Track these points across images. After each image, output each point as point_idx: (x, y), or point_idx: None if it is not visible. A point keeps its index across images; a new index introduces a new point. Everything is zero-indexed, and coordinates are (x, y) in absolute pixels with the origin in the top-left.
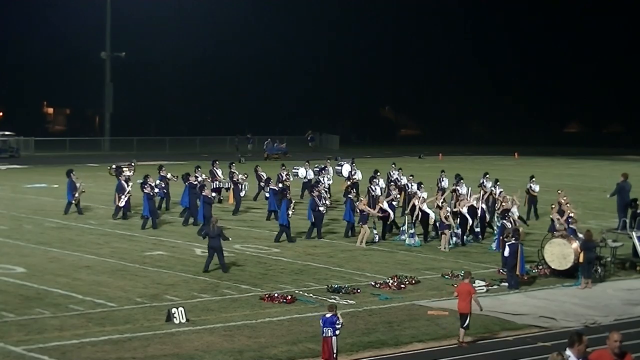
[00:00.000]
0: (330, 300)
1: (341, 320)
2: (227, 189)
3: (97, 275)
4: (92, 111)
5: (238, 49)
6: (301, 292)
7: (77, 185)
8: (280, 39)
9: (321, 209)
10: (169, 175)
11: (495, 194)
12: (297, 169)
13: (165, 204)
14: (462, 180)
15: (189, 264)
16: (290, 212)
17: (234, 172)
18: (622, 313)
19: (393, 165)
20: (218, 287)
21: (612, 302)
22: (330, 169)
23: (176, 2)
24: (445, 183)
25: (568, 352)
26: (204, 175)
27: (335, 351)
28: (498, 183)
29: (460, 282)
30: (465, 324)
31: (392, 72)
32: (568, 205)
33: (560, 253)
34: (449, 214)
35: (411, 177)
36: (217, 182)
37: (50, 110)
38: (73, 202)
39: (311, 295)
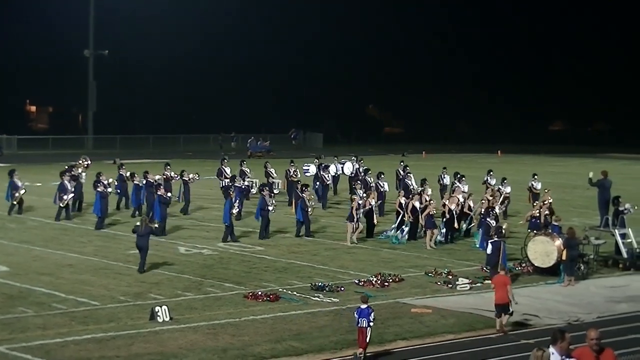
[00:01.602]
0: (314, 299)
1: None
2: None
3: (81, 273)
4: (76, 109)
5: (222, 48)
6: (285, 290)
7: (19, 185)
8: (264, 37)
9: (270, 208)
10: (128, 174)
11: (503, 192)
12: (308, 166)
13: (125, 203)
14: (463, 178)
15: (173, 262)
16: (234, 212)
17: (245, 170)
18: (605, 310)
19: (401, 163)
20: (202, 286)
21: (595, 299)
22: (333, 167)
23: (160, 0)
24: (447, 180)
25: (551, 349)
26: (171, 174)
27: (368, 340)
28: (505, 181)
29: (497, 275)
30: (509, 311)
31: (377, 70)
32: (545, 202)
33: (544, 251)
34: (434, 211)
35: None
36: (226, 180)
37: (33, 108)
38: (14, 202)
39: (295, 293)
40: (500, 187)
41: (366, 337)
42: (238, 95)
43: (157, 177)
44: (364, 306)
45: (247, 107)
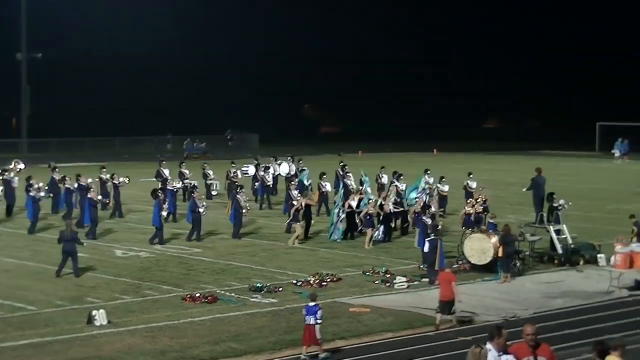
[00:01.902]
0: (252, 300)
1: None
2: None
3: (17, 278)
4: (9, 113)
5: (158, 49)
6: (223, 292)
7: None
8: (200, 38)
9: (201, 210)
10: (59, 177)
11: (443, 192)
12: (247, 167)
13: (57, 206)
14: (401, 177)
15: (110, 266)
16: (164, 214)
17: (184, 172)
18: (541, 306)
19: (340, 163)
20: (139, 288)
21: (531, 295)
22: (272, 168)
23: (93, 1)
24: (385, 179)
25: (488, 345)
26: (106, 176)
27: (319, 337)
28: (443, 179)
29: (441, 272)
30: (452, 309)
31: (311, 70)
32: (477, 199)
33: (480, 248)
34: (372, 210)
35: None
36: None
37: None
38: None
39: (233, 294)
40: (438, 185)
41: (314, 334)
42: (173, 96)
43: (90, 180)
44: (312, 304)
45: (182, 109)
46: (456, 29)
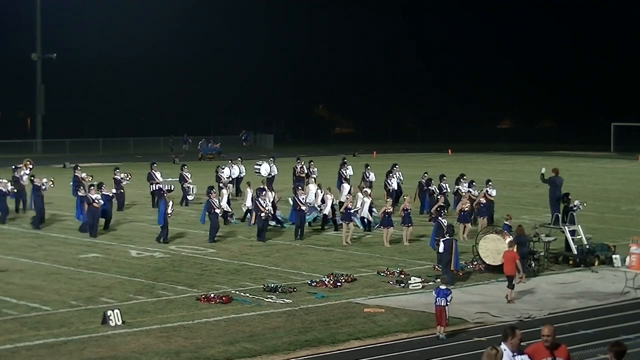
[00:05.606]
0: (266, 300)
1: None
2: (168, 191)
3: (31, 278)
4: (23, 113)
5: (172, 49)
6: (237, 292)
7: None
8: (213, 39)
9: (217, 211)
10: (84, 175)
11: (473, 194)
12: (224, 168)
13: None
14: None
15: (124, 266)
16: (170, 211)
17: (185, 175)
18: (556, 306)
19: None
20: (154, 289)
21: (546, 296)
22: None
23: (108, 2)
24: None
25: (502, 346)
26: (121, 176)
27: (447, 318)
28: (474, 184)
29: (505, 251)
30: (513, 284)
31: (326, 70)
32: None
33: (495, 248)
34: (389, 208)
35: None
36: (156, 185)
37: None
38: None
39: (248, 295)
40: (470, 190)
41: (445, 314)
42: (188, 97)
43: (44, 180)
44: (443, 287)
45: (197, 109)
46: (471, 32)
